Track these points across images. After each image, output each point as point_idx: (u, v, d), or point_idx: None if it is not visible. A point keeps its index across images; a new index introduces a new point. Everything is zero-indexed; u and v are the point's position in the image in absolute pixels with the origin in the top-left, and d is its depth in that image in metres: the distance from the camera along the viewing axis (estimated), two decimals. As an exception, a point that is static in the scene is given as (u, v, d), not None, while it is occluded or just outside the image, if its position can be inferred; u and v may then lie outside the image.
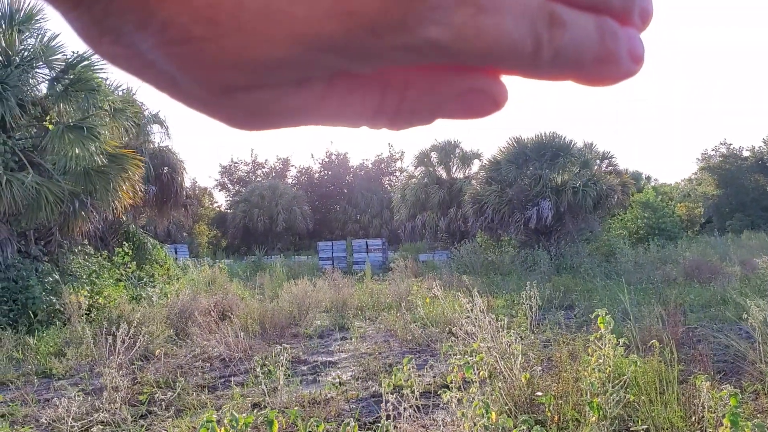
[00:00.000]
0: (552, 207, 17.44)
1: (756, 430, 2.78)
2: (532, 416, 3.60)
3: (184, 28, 0.21)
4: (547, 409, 3.75)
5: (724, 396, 3.16)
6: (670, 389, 3.81)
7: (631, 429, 3.65)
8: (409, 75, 0.25)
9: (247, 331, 7.59)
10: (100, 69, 9.71)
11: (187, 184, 20.89)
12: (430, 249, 24.62)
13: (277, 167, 45.54)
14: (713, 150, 37.28)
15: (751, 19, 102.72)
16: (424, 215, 25.30)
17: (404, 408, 3.53)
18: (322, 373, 5.94)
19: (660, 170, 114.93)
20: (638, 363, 3.68)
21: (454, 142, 25.91)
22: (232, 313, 8.66)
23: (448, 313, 7.56)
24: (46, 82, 9.85)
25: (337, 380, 5.52)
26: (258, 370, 4.66)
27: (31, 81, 9.89)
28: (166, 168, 17.85)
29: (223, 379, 5.82)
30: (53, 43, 9.80)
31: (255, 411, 4.46)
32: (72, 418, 4.21)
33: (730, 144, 37.27)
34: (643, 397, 3.79)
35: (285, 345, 4.90)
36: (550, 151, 18.40)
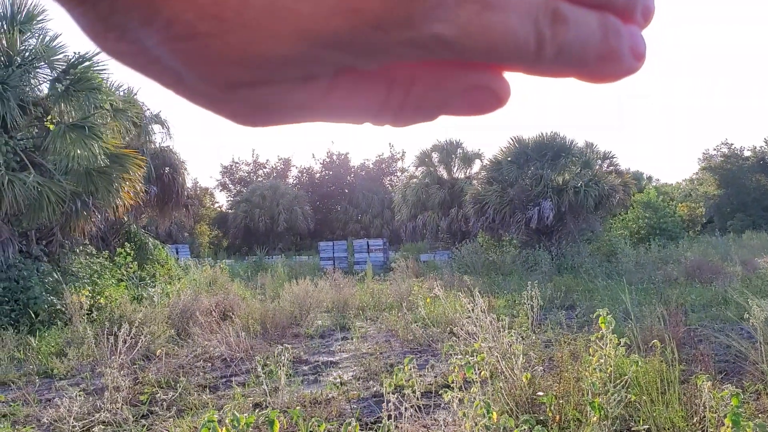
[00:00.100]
0: (553, 207, 17.41)
1: (757, 430, 2.78)
2: (533, 416, 3.60)
3: (190, 24, 0.21)
4: (548, 409, 3.75)
5: (725, 396, 3.16)
6: (672, 389, 3.81)
7: (632, 429, 3.65)
8: (414, 71, 0.25)
9: (248, 331, 7.60)
10: (102, 69, 9.74)
11: (189, 184, 20.87)
12: (431, 249, 24.61)
13: (278, 167, 45.57)
14: (714, 150, 37.35)
15: (751, 18, 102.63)
16: (425, 215, 25.27)
17: (405, 408, 3.53)
18: (324, 373, 5.95)
19: (661, 170, 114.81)
20: (639, 363, 3.68)
21: (455, 142, 25.85)
22: (233, 313, 8.68)
23: (449, 313, 7.57)
24: (48, 82, 9.88)
25: (339, 380, 5.53)
26: (259, 370, 4.66)
27: (32, 81, 9.91)
28: (167, 168, 17.87)
29: (224, 379, 5.82)
30: (54, 44, 9.83)
31: (256, 411, 4.46)
32: (73, 418, 4.22)
33: (732, 144, 37.30)
34: (644, 397, 3.78)
35: (286, 345, 4.89)
36: (551, 151, 18.38)
